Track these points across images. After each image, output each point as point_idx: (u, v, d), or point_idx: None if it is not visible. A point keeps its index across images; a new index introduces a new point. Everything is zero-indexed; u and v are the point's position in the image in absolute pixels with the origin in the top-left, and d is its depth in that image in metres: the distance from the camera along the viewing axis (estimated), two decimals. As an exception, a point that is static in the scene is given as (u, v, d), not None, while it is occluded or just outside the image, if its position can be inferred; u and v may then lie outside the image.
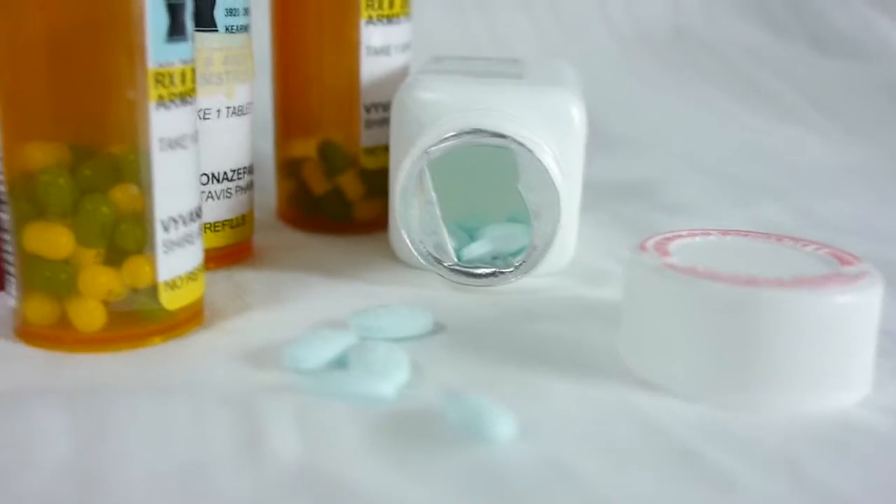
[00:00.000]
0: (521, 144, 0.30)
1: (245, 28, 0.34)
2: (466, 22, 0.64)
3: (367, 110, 0.38)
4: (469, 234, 0.34)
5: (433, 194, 0.31)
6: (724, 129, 0.58)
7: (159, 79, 0.26)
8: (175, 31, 0.26)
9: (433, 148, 0.30)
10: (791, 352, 0.24)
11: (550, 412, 0.24)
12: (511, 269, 0.31)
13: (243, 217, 0.35)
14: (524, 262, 0.31)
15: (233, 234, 0.35)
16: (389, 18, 0.38)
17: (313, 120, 0.39)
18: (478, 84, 0.33)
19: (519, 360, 0.27)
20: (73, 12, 0.25)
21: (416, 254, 0.31)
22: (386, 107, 0.39)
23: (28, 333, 0.27)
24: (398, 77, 0.39)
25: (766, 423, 0.23)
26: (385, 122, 0.39)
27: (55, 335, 0.27)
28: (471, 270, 0.31)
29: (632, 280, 0.27)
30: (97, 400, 0.23)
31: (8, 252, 0.27)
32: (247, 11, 0.34)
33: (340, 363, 0.25)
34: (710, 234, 0.29)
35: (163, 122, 0.26)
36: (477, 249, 0.32)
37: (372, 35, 0.37)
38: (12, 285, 0.27)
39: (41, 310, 0.27)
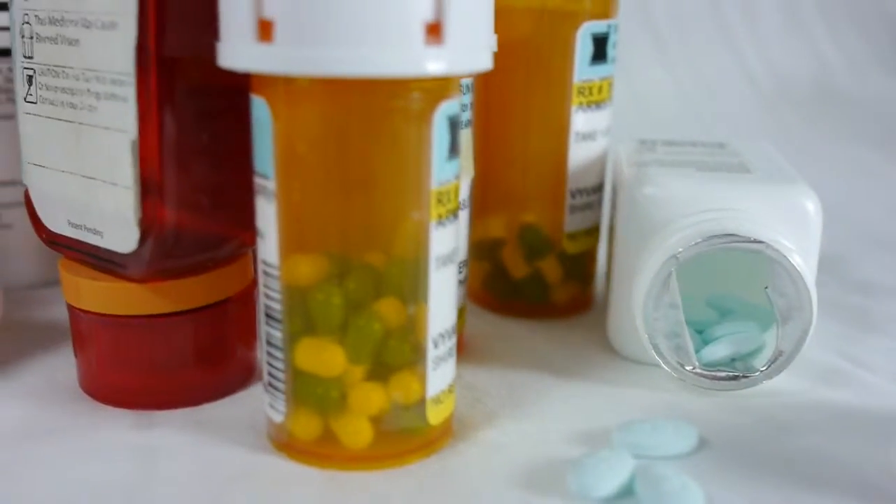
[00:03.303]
0: (777, 251, 0.29)
1: (469, 123, 0.33)
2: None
3: (573, 195, 0.38)
4: (697, 331, 0.33)
5: (678, 298, 0.30)
6: (887, 193, 0.56)
7: (440, 198, 0.26)
8: (454, 149, 0.26)
9: (682, 252, 0.30)
10: None
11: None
12: (756, 374, 0.30)
13: (461, 311, 0.35)
14: (771, 366, 0.30)
15: (452, 328, 0.34)
16: (598, 104, 0.37)
17: (514, 203, 0.38)
18: (710, 180, 0.33)
19: (801, 485, 0.26)
20: (365, 135, 0.24)
21: (657, 357, 0.31)
22: (589, 191, 0.38)
23: (294, 449, 0.27)
24: (601, 162, 0.38)
25: None
26: (588, 206, 0.38)
27: (324, 452, 0.27)
28: (713, 374, 0.31)
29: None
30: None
31: (276, 368, 0.27)
32: (471, 106, 0.33)
33: (628, 491, 0.25)
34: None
35: (440, 240, 0.26)
36: (717, 352, 0.31)
37: (580, 121, 0.37)
38: (278, 400, 0.27)
39: (308, 426, 0.27)
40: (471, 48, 0.25)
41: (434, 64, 0.24)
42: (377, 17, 0.23)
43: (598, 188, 0.39)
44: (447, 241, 0.26)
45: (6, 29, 0.38)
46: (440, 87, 0.25)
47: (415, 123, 0.25)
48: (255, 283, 0.32)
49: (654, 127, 0.58)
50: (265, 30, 0.23)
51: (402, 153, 0.25)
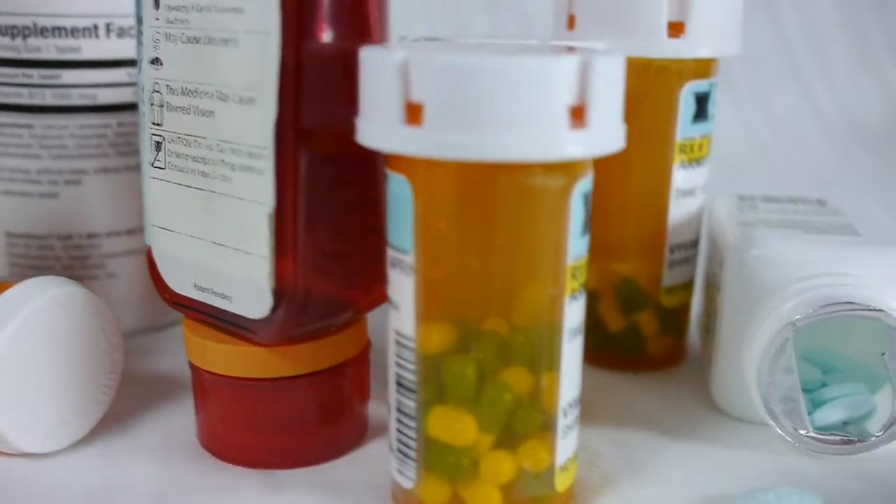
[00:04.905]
0: (896, 319, 0.29)
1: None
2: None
3: (672, 251, 0.38)
4: (804, 391, 0.33)
5: (794, 363, 0.30)
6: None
7: (574, 273, 0.26)
8: (587, 225, 0.26)
9: (800, 319, 0.30)
10: None
11: None
12: (872, 440, 0.31)
13: (566, 367, 0.35)
14: (887, 432, 0.30)
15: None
16: (698, 161, 0.37)
17: (610, 255, 0.39)
18: (821, 243, 0.33)
19: (929, 557, 0.26)
20: (505, 212, 0.25)
21: (772, 421, 0.31)
22: (687, 246, 0.38)
23: (424, 515, 0.28)
24: (699, 217, 0.39)
25: None
26: (686, 261, 0.39)
27: (454, 519, 0.27)
28: (828, 438, 0.31)
29: None
30: None
31: (407, 436, 0.27)
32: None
33: (763, 565, 0.25)
34: None
35: (572, 313, 0.26)
36: (831, 416, 0.32)
37: (680, 178, 0.37)
38: (408, 466, 0.27)
39: (438, 493, 0.27)
40: (609, 128, 0.25)
41: (576, 147, 0.24)
42: (526, 102, 0.23)
43: (695, 243, 0.39)
44: (578, 314, 0.27)
45: (114, 86, 0.39)
46: (579, 166, 0.25)
47: (553, 201, 0.25)
48: (370, 344, 0.32)
49: (725, 169, 0.58)
50: (413, 113, 0.24)
51: (541, 230, 0.25)
